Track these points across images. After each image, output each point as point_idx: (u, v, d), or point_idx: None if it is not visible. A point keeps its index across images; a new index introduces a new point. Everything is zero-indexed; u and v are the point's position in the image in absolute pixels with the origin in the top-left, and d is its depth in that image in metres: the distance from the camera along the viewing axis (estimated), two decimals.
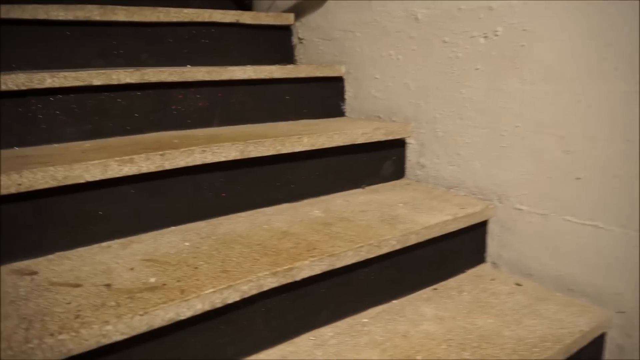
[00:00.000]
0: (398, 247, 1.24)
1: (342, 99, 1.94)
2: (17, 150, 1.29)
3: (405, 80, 1.70)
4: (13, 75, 1.27)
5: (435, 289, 1.38)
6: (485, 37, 1.44)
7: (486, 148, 1.50)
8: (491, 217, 1.50)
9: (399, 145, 1.72)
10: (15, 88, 1.27)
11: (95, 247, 1.15)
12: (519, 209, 1.44)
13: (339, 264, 1.13)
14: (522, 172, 1.42)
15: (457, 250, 1.46)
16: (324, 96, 1.90)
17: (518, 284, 1.40)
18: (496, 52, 1.42)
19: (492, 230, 1.52)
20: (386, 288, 1.30)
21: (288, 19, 2.05)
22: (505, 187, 1.47)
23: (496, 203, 1.49)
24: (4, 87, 1.25)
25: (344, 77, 1.92)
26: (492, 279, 1.43)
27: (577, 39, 1.24)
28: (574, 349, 1.14)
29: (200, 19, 1.81)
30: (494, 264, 1.53)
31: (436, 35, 1.57)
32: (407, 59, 1.68)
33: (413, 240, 1.27)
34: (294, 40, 2.12)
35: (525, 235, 1.44)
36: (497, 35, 1.41)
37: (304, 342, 1.12)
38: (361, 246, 1.16)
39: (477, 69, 1.48)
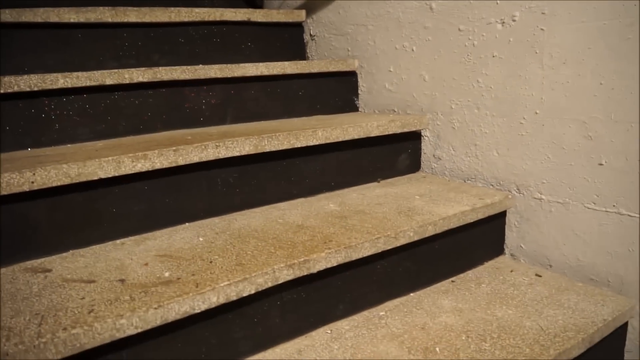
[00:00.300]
0: (415, 238, 1.22)
1: (356, 94, 1.93)
2: (30, 151, 1.30)
3: (420, 72, 1.68)
4: (25, 77, 1.27)
5: (453, 281, 1.35)
6: (502, 22, 1.41)
7: (504, 137, 1.46)
8: (510, 207, 1.47)
9: (414, 137, 1.70)
10: (27, 89, 1.28)
11: (109, 245, 1.15)
12: (539, 199, 1.40)
13: (356, 255, 1.12)
14: (542, 160, 1.38)
15: (475, 241, 1.43)
16: (338, 91, 1.89)
17: (538, 275, 1.36)
18: (514, 38, 1.39)
19: (511, 221, 1.49)
20: (403, 280, 1.28)
21: (299, 15, 2.04)
22: (524, 177, 1.44)
23: (515, 193, 1.46)
24: (16, 88, 1.26)
25: (357, 71, 1.91)
26: (511, 271, 1.40)
27: (599, 19, 1.21)
28: (597, 339, 1.11)
29: (211, 18, 1.81)
30: (512, 255, 1.50)
31: (451, 24, 1.55)
32: (421, 50, 1.66)
33: (430, 231, 1.25)
34: (306, 37, 2.10)
35: (545, 225, 1.40)
36: (514, 21, 1.38)
37: (320, 336, 1.10)
38: (378, 238, 1.14)
39: (495, 56, 1.45)
